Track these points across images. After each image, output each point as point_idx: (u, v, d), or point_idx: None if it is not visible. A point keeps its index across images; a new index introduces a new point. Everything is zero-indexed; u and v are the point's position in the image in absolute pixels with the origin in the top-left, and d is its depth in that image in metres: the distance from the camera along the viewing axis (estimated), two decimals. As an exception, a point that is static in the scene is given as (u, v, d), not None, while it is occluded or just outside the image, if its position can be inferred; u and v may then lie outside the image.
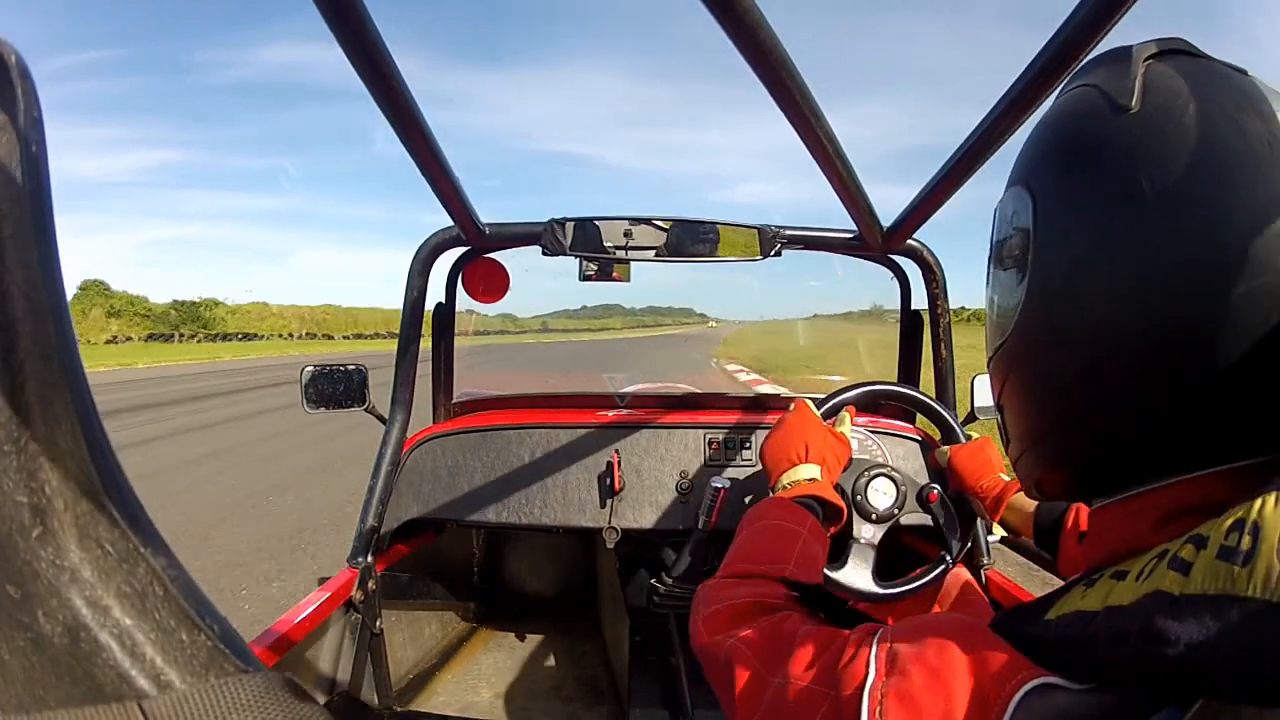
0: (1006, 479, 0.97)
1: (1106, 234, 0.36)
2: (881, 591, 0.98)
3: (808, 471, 0.81)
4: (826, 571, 0.96)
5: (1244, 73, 0.37)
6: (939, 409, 1.09)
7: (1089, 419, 0.38)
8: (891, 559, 1.02)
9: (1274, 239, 0.33)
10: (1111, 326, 0.36)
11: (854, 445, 1.22)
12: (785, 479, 0.82)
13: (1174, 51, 0.38)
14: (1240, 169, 0.34)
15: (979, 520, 1.07)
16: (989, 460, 0.99)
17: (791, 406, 0.92)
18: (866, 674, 0.39)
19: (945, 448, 1.08)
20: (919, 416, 1.32)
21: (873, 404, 1.13)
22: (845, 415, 1.01)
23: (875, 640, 0.41)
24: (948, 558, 1.04)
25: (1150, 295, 0.35)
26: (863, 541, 1.00)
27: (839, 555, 0.99)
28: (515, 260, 1.36)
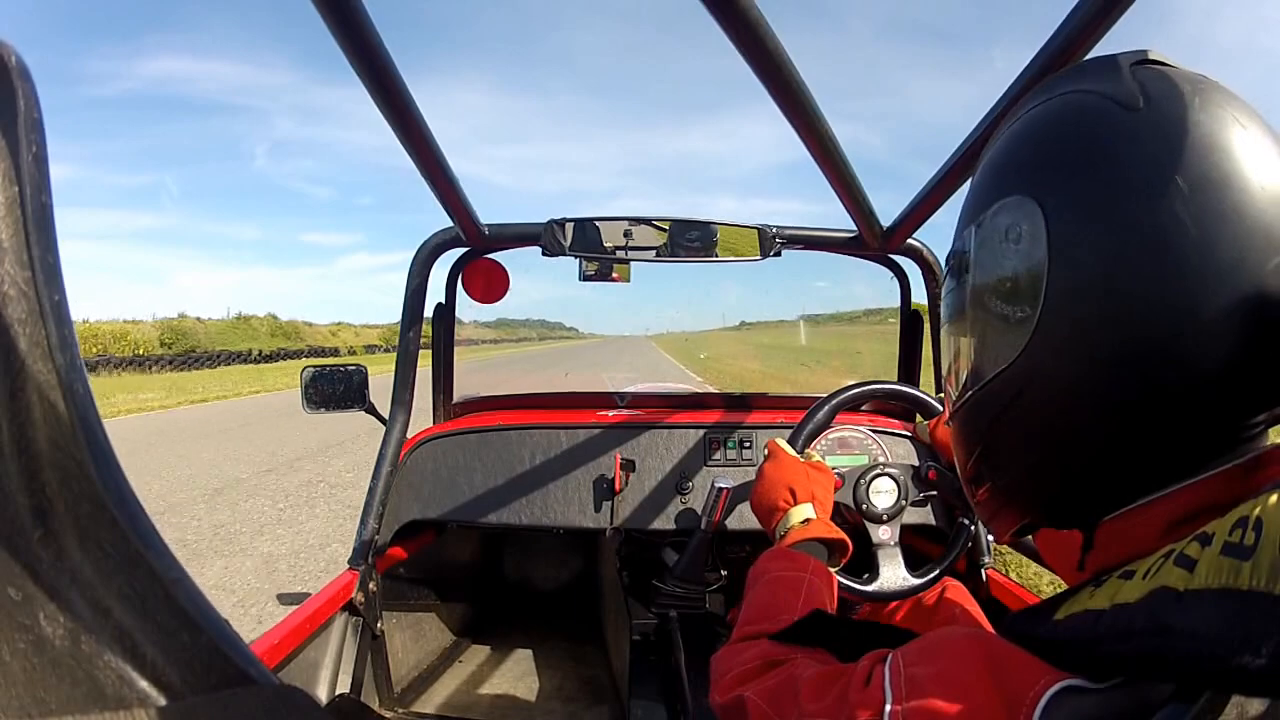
0: None
1: (1136, 231, 0.35)
2: (920, 581, 0.99)
3: (800, 514, 0.81)
4: (863, 588, 0.97)
5: (1206, 78, 0.38)
6: (903, 389, 1.09)
7: (1108, 437, 0.37)
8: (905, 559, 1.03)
9: (1272, 226, 0.34)
10: (1142, 327, 0.35)
11: (853, 445, 1.23)
12: (780, 528, 0.81)
13: (1150, 61, 0.39)
14: (1249, 159, 0.35)
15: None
16: None
17: (765, 451, 0.92)
18: (884, 700, 0.39)
19: (925, 423, 1.08)
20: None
21: (854, 408, 1.14)
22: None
23: (887, 667, 0.41)
24: (966, 523, 1.06)
25: (1188, 284, 0.34)
26: (887, 544, 1.00)
27: (869, 568, 1.00)
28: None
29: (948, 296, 0.48)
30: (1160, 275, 0.35)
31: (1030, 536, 0.48)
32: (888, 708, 0.38)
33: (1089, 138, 0.38)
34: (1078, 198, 0.38)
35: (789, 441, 0.94)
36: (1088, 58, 0.42)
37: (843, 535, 0.79)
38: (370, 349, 41.98)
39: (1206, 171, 0.35)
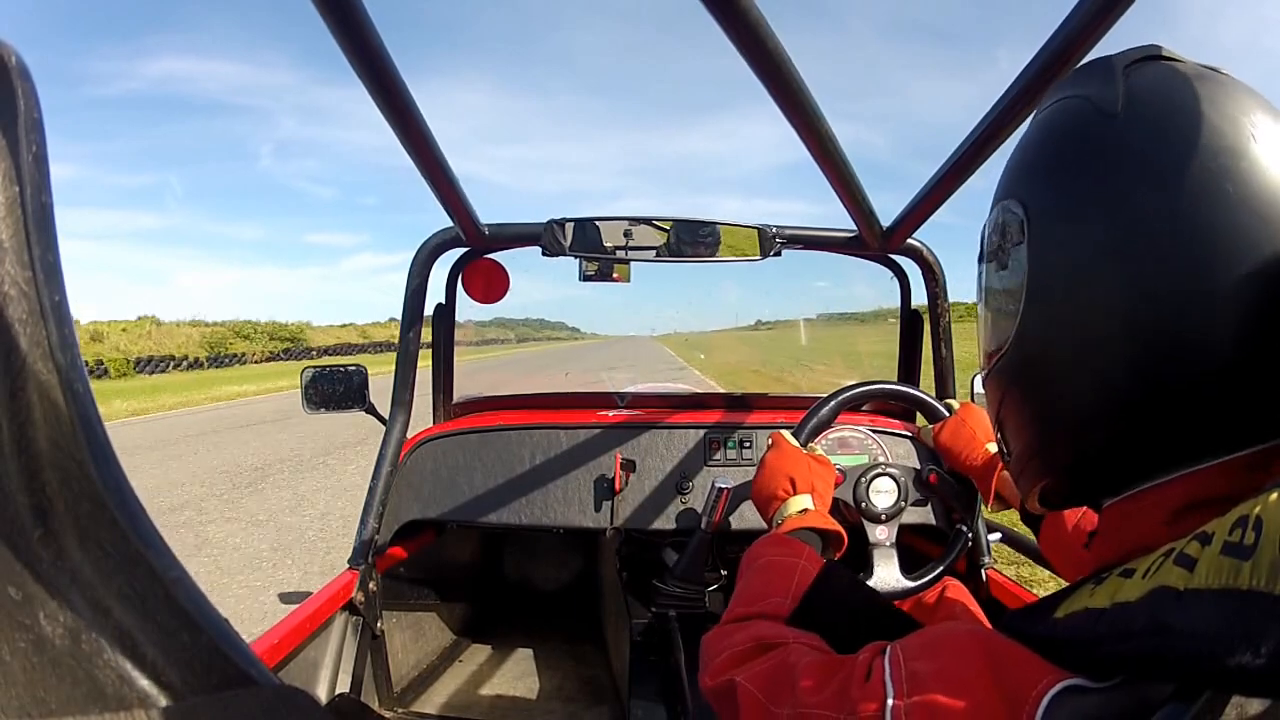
0: (993, 449, 0.96)
1: (1101, 237, 0.36)
2: (914, 584, 0.99)
3: (799, 504, 0.81)
4: None
5: (1219, 72, 0.38)
6: (909, 391, 1.09)
7: (1092, 424, 0.39)
8: (901, 560, 1.03)
9: (1264, 227, 0.34)
10: (1113, 328, 0.36)
11: (853, 445, 1.23)
12: (777, 517, 0.82)
13: (1153, 58, 0.39)
14: (1225, 162, 0.35)
15: (979, 510, 1.08)
16: (972, 434, 0.99)
17: (768, 441, 0.92)
18: (885, 695, 0.39)
19: (929, 426, 1.08)
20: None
21: (857, 407, 1.14)
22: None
23: (888, 661, 0.41)
24: (964, 529, 1.05)
25: (1150, 292, 0.35)
26: (883, 544, 1.00)
27: (863, 567, 1.00)
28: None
29: (977, 281, 0.50)
30: (1132, 279, 0.35)
31: (1033, 537, 0.49)
32: (889, 702, 0.38)
33: (1064, 144, 0.40)
34: (1054, 202, 0.39)
35: (793, 434, 0.95)
36: (1096, 57, 0.43)
37: (838, 527, 0.79)
38: (141, 365, 24.09)
39: (1173, 179, 0.35)
